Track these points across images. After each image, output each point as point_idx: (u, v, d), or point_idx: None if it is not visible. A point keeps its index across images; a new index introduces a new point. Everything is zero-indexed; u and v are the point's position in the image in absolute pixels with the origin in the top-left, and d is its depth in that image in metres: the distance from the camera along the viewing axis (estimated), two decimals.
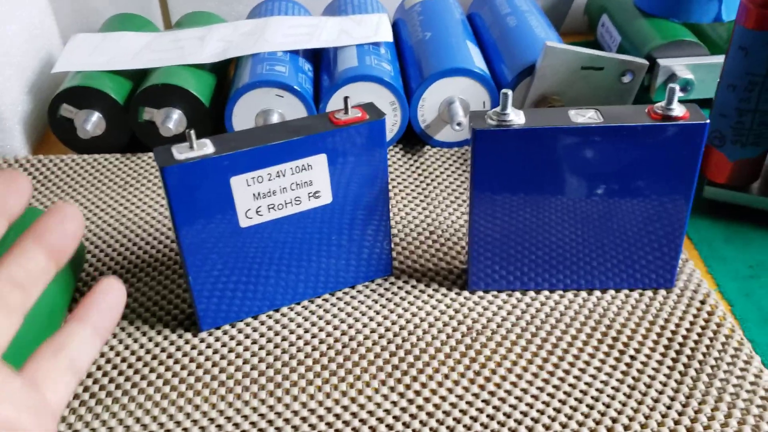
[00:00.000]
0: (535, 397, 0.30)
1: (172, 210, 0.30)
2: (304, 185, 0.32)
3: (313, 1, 0.58)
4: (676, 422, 0.29)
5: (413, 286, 0.36)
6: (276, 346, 0.33)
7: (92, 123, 0.45)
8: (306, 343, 0.33)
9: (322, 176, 0.32)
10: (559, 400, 0.30)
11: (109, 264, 0.38)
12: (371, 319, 0.34)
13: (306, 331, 0.33)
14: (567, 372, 0.31)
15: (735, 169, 0.39)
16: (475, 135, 0.31)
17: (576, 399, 0.30)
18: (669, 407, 0.29)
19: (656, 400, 0.30)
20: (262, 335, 0.33)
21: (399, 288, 0.36)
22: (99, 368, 0.32)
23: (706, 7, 0.50)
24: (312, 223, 0.33)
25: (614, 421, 0.29)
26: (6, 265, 0.20)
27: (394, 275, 0.37)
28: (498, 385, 0.31)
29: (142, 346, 0.33)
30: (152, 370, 0.32)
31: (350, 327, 0.34)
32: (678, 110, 0.31)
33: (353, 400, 0.30)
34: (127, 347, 0.33)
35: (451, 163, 0.45)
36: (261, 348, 0.33)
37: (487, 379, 0.31)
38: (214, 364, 0.32)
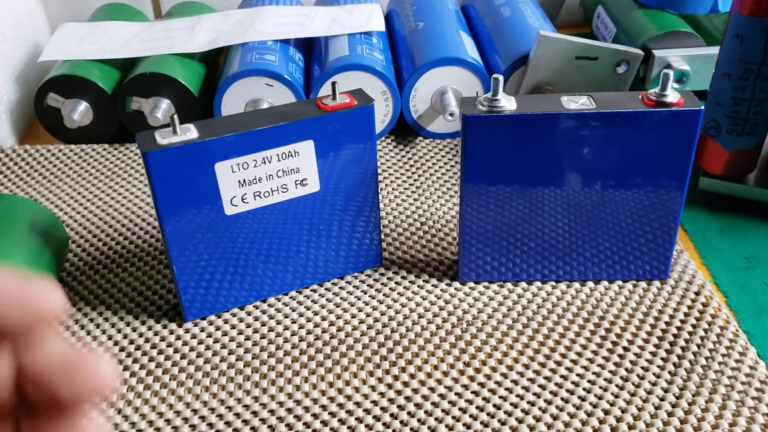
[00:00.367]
0: (526, 389, 0.29)
1: (155, 196, 0.29)
2: (290, 172, 0.31)
3: None
4: (670, 414, 0.28)
5: (403, 277, 0.35)
6: (262, 337, 0.32)
7: (79, 112, 0.44)
8: (293, 334, 0.32)
9: (309, 163, 0.31)
10: (550, 392, 0.29)
11: (93, 253, 0.37)
12: (360, 310, 0.33)
13: (293, 322, 0.33)
14: (558, 363, 0.30)
15: (730, 160, 0.38)
16: (465, 121, 0.30)
17: (567, 391, 0.29)
18: (662, 399, 0.29)
19: (649, 392, 0.29)
20: (248, 326, 0.33)
21: (389, 279, 0.35)
22: None
23: None
24: (299, 211, 0.32)
25: (606, 413, 0.28)
26: None
27: (384, 266, 0.36)
28: (488, 377, 0.30)
29: (125, 337, 0.32)
30: (135, 361, 0.31)
31: (338, 318, 0.33)
32: (672, 96, 0.30)
33: (340, 391, 0.29)
34: (110, 337, 0.32)
35: (443, 155, 0.45)
36: (247, 339, 0.32)
37: (477, 371, 0.30)
38: (199, 355, 0.31)
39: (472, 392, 0.29)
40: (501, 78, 0.30)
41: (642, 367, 0.30)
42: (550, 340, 0.32)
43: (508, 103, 0.30)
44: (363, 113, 0.31)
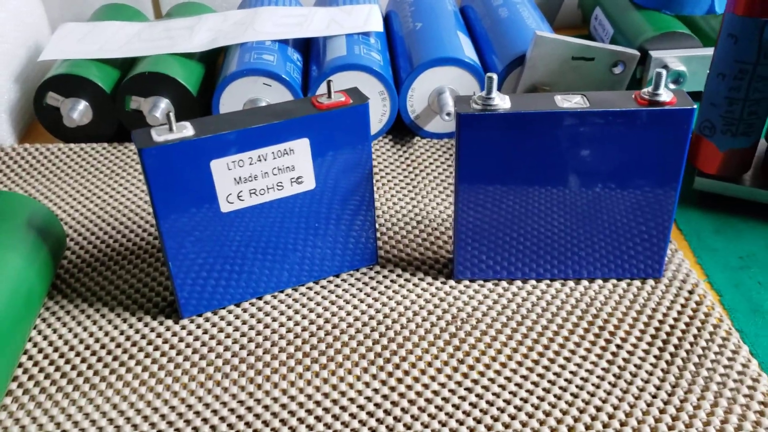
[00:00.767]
0: (519, 386, 0.30)
1: (151, 193, 0.29)
2: (286, 170, 0.31)
3: None
4: (662, 410, 0.28)
5: (398, 275, 0.35)
6: (258, 334, 0.32)
7: (79, 111, 0.45)
8: (288, 331, 0.32)
9: (304, 161, 0.31)
10: (544, 389, 0.29)
11: (91, 251, 0.37)
12: (355, 308, 0.33)
13: (289, 319, 0.33)
14: (552, 360, 0.31)
15: (725, 160, 0.38)
16: (459, 119, 0.30)
17: (560, 387, 0.29)
18: (654, 396, 0.29)
19: (642, 389, 0.29)
20: (244, 323, 0.33)
21: (384, 277, 0.35)
22: (78, 354, 0.31)
23: None
24: (295, 209, 0.32)
25: (598, 409, 0.28)
26: None
27: (380, 264, 0.36)
28: (482, 374, 0.30)
29: (122, 333, 0.32)
30: (131, 357, 0.31)
31: (334, 315, 0.33)
32: (665, 95, 0.30)
33: (334, 387, 0.30)
34: (106, 333, 0.32)
35: (440, 154, 0.45)
36: (243, 335, 0.32)
37: (471, 368, 0.30)
38: (195, 351, 0.31)
39: (465, 389, 0.29)
40: (495, 77, 0.30)
41: (635, 365, 0.30)
42: (543, 337, 0.32)
43: (502, 102, 0.30)
44: (358, 111, 0.31)
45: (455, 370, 0.30)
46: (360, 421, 0.28)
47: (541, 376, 0.30)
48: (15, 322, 0.30)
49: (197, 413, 0.29)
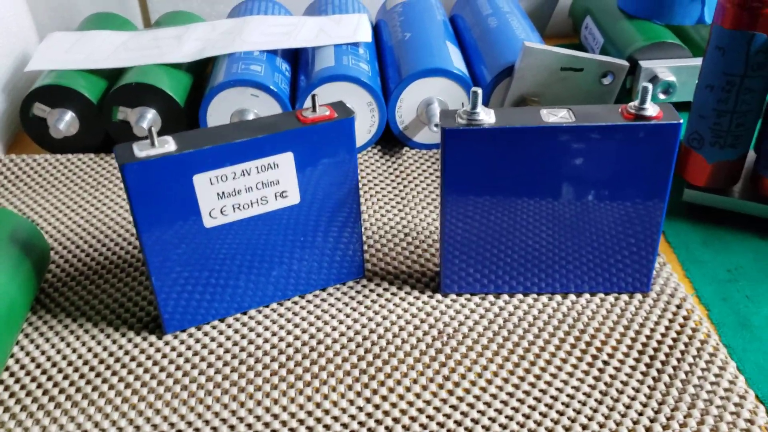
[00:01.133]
0: (505, 403, 0.29)
1: (132, 209, 0.29)
2: (270, 184, 0.31)
3: (294, 1, 0.57)
4: (648, 428, 0.28)
5: (385, 289, 0.35)
6: (242, 350, 0.32)
7: (65, 122, 0.44)
8: (273, 347, 0.32)
9: (289, 175, 0.31)
10: (529, 406, 0.29)
11: (75, 264, 0.37)
12: (341, 323, 0.33)
13: (273, 335, 0.33)
14: (538, 377, 0.30)
15: (714, 172, 0.38)
16: (444, 134, 0.30)
17: (546, 404, 0.29)
18: (641, 413, 0.29)
19: (628, 406, 0.29)
20: (228, 338, 0.33)
21: (370, 291, 0.35)
22: (60, 371, 0.31)
23: (688, 9, 0.49)
24: (280, 223, 0.32)
25: (584, 427, 0.28)
26: None
27: (367, 278, 0.36)
28: (467, 390, 0.30)
29: (105, 348, 0.32)
30: (114, 373, 0.31)
31: (319, 330, 0.33)
32: (651, 110, 0.30)
33: (318, 405, 0.29)
34: (89, 349, 0.32)
35: (428, 166, 0.45)
36: (227, 351, 0.32)
37: (456, 384, 0.30)
38: (178, 368, 0.31)
39: (450, 406, 0.29)
40: (480, 91, 0.30)
41: (621, 381, 0.30)
42: (530, 352, 0.32)
43: (487, 116, 0.30)
44: (343, 126, 0.31)
45: (440, 386, 0.30)
46: None
47: (526, 393, 0.30)
48: None
49: (179, 431, 0.28)
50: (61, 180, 0.44)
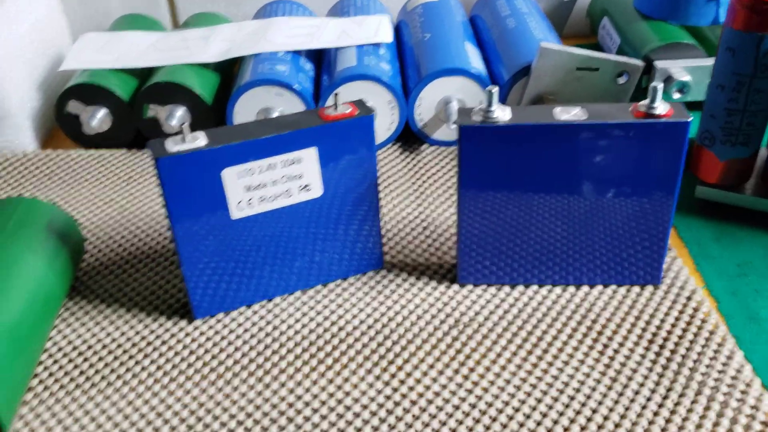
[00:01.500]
0: (517, 388, 0.31)
1: (165, 201, 0.31)
2: (294, 178, 0.32)
3: (317, 2, 0.59)
4: (655, 413, 0.29)
5: (404, 279, 0.37)
6: (267, 335, 0.34)
7: (98, 119, 0.46)
8: (296, 332, 0.34)
9: (312, 170, 0.33)
10: (541, 391, 0.30)
11: (108, 254, 0.39)
12: (361, 311, 0.35)
13: (297, 321, 0.34)
14: (550, 364, 0.32)
15: (725, 169, 0.39)
16: (460, 131, 0.31)
17: (558, 390, 0.30)
18: (649, 399, 0.30)
19: (637, 392, 0.30)
20: (254, 324, 0.34)
21: (389, 281, 0.37)
22: (95, 353, 0.33)
23: (704, 10, 0.50)
24: (303, 215, 0.34)
25: (594, 411, 0.29)
26: None
27: (386, 269, 0.37)
28: (482, 376, 0.31)
29: (137, 333, 0.34)
30: (146, 356, 0.33)
31: (340, 317, 0.34)
32: (661, 108, 0.31)
33: (339, 387, 0.31)
34: (123, 334, 0.34)
35: (447, 162, 0.46)
36: (253, 336, 0.34)
37: (471, 370, 0.31)
38: (207, 351, 0.33)
39: (465, 390, 0.31)
40: (495, 90, 0.31)
41: (631, 369, 0.31)
42: (542, 342, 0.33)
43: (502, 114, 0.32)
44: (363, 123, 0.32)
45: (456, 372, 0.31)
46: (363, 420, 0.29)
47: (539, 378, 0.31)
48: (35, 322, 0.31)
49: (208, 410, 0.30)
50: (94, 174, 0.46)
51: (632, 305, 0.35)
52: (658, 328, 0.33)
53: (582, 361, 0.32)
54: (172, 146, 0.30)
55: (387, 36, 0.49)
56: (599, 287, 0.36)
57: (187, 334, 0.34)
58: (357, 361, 0.32)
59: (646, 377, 0.31)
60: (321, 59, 0.50)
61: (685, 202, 0.41)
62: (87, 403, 0.30)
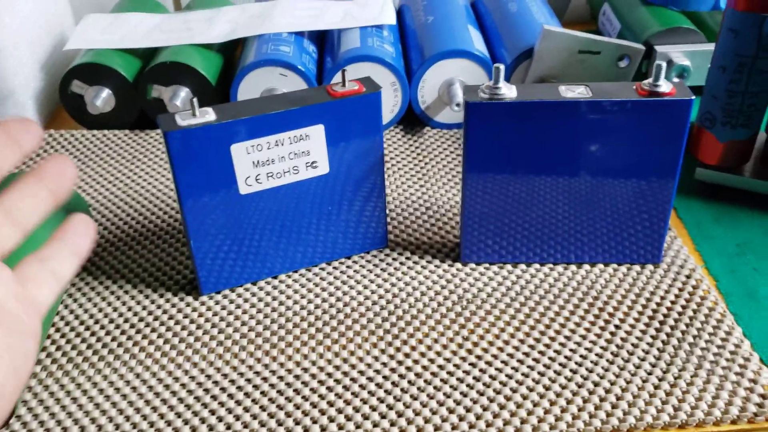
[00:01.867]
0: (521, 362, 0.31)
1: (174, 174, 0.31)
2: (301, 155, 0.33)
3: None
4: (656, 387, 0.30)
5: (407, 258, 0.37)
6: (273, 310, 0.34)
7: (102, 99, 0.46)
8: (302, 308, 0.34)
9: (319, 146, 0.33)
10: (544, 365, 0.31)
11: (115, 233, 0.39)
12: (365, 287, 0.35)
13: (302, 297, 0.35)
14: (552, 339, 0.32)
15: (725, 151, 0.39)
16: (467, 107, 0.32)
17: (560, 364, 0.31)
18: (650, 373, 0.30)
19: (638, 366, 0.31)
20: (260, 300, 0.35)
21: (393, 259, 0.37)
22: (103, 328, 0.33)
23: None
24: (309, 192, 0.34)
25: (596, 384, 0.30)
26: (10, 195, 0.23)
27: (390, 247, 0.38)
28: (485, 350, 0.32)
29: (144, 308, 0.34)
30: (153, 330, 0.33)
31: (345, 294, 0.35)
32: (664, 87, 0.31)
33: (345, 360, 0.31)
34: (129, 308, 0.34)
35: (449, 144, 0.46)
36: (259, 311, 0.34)
37: (475, 344, 0.32)
38: (213, 325, 0.33)
39: (469, 363, 0.31)
40: (502, 67, 0.31)
41: (631, 344, 0.32)
42: (545, 317, 0.33)
43: (508, 91, 0.32)
44: (370, 100, 0.33)
45: (460, 346, 0.32)
46: (369, 392, 0.30)
47: (541, 353, 0.31)
48: None
49: (215, 382, 0.30)
50: (98, 154, 0.46)
51: (633, 283, 0.35)
52: (659, 305, 0.34)
53: (584, 337, 0.32)
54: (182, 120, 0.30)
55: (390, 18, 0.49)
56: (600, 266, 0.36)
57: (194, 309, 0.34)
58: (362, 335, 0.32)
59: (646, 352, 0.31)
60: (324, 41, 0.51)
61: (685, 184, 0.42)
62: (95, 376, 0.31)
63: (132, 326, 0.33)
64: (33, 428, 0.29)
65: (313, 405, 0.29)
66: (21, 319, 0.22)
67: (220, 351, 0.32)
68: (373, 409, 0.29)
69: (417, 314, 0.34)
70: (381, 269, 0.36)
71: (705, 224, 0.39)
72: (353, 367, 0.31)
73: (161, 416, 0.29)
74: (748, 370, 0.30)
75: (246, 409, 0.29)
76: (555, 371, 0.31)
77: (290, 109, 0.32)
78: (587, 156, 0.33)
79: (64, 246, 0.25)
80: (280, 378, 0.31)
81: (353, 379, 0.30)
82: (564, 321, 0.33)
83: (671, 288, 0.35)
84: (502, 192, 0.34)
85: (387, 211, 0.38)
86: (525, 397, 0.29)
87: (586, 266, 0.36)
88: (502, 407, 0.29)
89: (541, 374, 0.30)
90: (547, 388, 0.30)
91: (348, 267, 0.36)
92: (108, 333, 0.33)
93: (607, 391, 0.30)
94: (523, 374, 0.30)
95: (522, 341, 0.32)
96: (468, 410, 0.29)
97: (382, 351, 0.32)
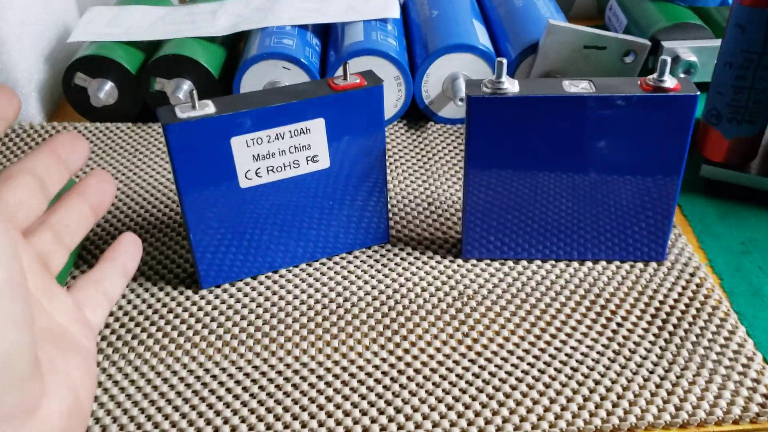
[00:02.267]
0: (521, 359, 0.31)
1: (174, 168, 0.31)
2: (302, 149, 0.33)
3: None
4: (658, 385, 0.29)
5: (408, 253, 0.37)
6: (273, 305, 0.34)
7: (105, 92, 0.46)
8: (302, 303, 0.34)
9: (320, 140, 0.33)
10: (544, 362, 0.31)
11: (116, 225, 0.39)
12: (366, 283, 0.35)
13: (302, 292, 0.34)
14: (554, 336, 0.32)
15: (731, 148, 0.39)
16: (470, 102, 0.32)
17: (561, 362, 0.31)
18: (651, 371, 0.30)
19: (640, 365, 0.30)
20: (260, 294, 0.34)
21: (394, 255, 0.37)
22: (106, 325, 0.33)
23: None
24: (310, 186, 0.34)
25: (597, 382, 0.30)
26: (56, 213, 0.25)
27: (391, 243, 0.38)
28: (485, 346, 0.31)
29: (144, 302, 0.34)
30: (153, 324, 0.33)
31: (345, 289, 0.35)
32: (669, 82, 0.31)
33: (344, 355, 0.31)
34: (129, 302, 0.34)
35: (453, 139, 0.46)
36: (258, 306, 0.34)
37: (475, 341, 0.32)
38: (213, 320, 0.33)
39: (468, 360, 0.31)
40: (505, 61, 0.31)
41: (634, 342, 0.31)
42: (546, 314, 0.33)
43: (511, 86, 0.32)
44: (372, 93, 0.33)
45: (460, 342, 0.32)
46: (368, 388, 0.30)
47: (542, 350, 0.31)
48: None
49: (214, 377, 0.30)
50: (100, 147, 0.46)
51: (636, 280, 0.35)
52: (662, 303, 0.33)
53: (585, 334, 0.32)
54: (181, 113, 0.30)
55: (394, 11, 0.49)
56: (603, 263, 0.36)
57: (193, 303, 0.34)
58: (362, 330, 0.32)
59: (648, 350, 0.31)
60: (328, 34, 0.50)
61: (691, 181, 0.41)
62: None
63: (131, 319, 0.33)
64: None
65: (312, 400, 0.29)
66: (82, 342, 0.23)
67: (219, 345, 0.32)
68: (371, 404, 0.29)
69: (417, 310, 0.33)
70: (382, 264, 0.36)
71: (710, 222, 0.39)
72: (352, 362, 0.31)
73: (159, 409, 0.29)
74: (751, 370, 0.30)
75: (244, 404, 0.29)
76: (555, 369, 0.30)
77: (291, 102, 0.31)
78: (590, 151, 0.33)
79: (115, 267, 0.26)
80: (279, 372, 0.30)
81: (352, 374, 0.30)
82: (565, 318, 0.33)
83: (675, 286, 0.34)
84: (504, 188, 0.34)
85: (389, 207, 0.37)
86: (524, 395, 0.29)
87: (589, 263, 0.36)
88: (501, 404, 0.29)
89: (542, 372, 0.30)
90: (548, 386, 0.30)
91: (349, 262, 0.36)
92: (107, 326, 0.33)
93: (608, 390, 0.29)
94: (523, 371, 0.30)
95: (522, 338, 0.32)
96: (467, 407, 0.29)
97: (382, 346, 0.31)
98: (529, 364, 0.31)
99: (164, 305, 0.34)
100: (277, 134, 0.32)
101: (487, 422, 0.28)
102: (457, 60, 0.45)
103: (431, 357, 0.31)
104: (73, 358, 0.22)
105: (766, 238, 0.37)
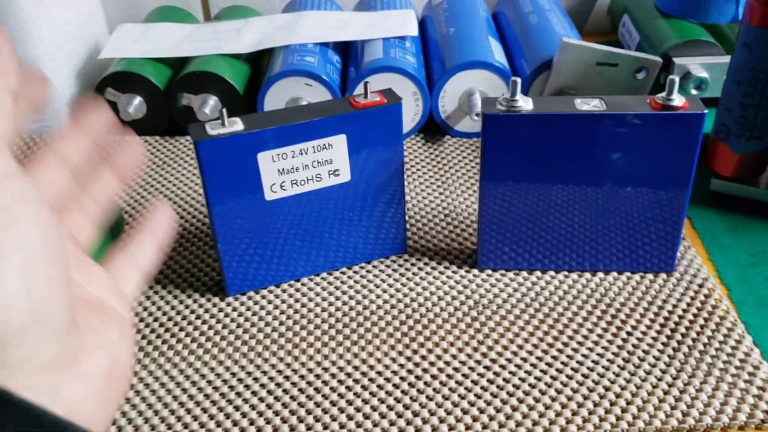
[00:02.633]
0: (534, 366, 0.32)
1: (204, 181, 0.32)
2: (324, 163, 0.34)
3: None
4: (666, 392, 0.31)
5: (425, 263, 0.38)
6: (295, 312, 0.35)
7: (134, 106, 0.48)
8: (323, 310, 0.35)
9: (341, 155, 0.34)
10: (556, 369, 0.32)
11: None
12: (384, 291, 0.36)
13: (323, 300, 0.36)
14: (565, 345, 0.33)
15: (740, 162, 0.40)
16: (485, 119, 0.33)
17: (572, 369, 0.32)
18: (659, 378, 0.31)
19: (648, 372, 0.32)
20: (283, 302, 0.36)
21: (412, 265, 0.38)
22: (134, 326, 0.35)
23: (723, 8, 0.51)
24: (331, 199, 0.35)
25: (606, 389, 0.31)
26: (84, 189, 0.25)
27: (408, 253, 0.39)
28: (499, 354, 0.33)
29: (173, 308, 0.36)
30: (182, 329, 0.35)
31: (364, 297, 0.36)
32: (678, 100, 0.32)
33: (363, 361, 0.33)
34: (159, 308, 0.36)
35: (469, 153, 0.48)
36: (282, 313, 0.35)
37: (490, 348, 0.33)
38: (239, 326, 0.35)
39: (484, 366, 0.32)
40: (519, 80, 0.32)
41: (643, 350, 0.33)
42: (558, 323, 0.34)
43: (525, 104, 0.33)
44: (391, 111, 0.34)
45: (475, 350, 0.33)
46: (386, 392, 0.31)
47: (554, 357, 0.32)
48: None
49: (240, 380, 0.32)
50: None
51: (646, 291, 0.36)
52: (670, 313, 0.35)
53: (596, 343, 0.33)
54: (212, 130, 0.32)
55: (413, 29, 0.50)
56: (614, 274, 0.37)
57: (220, 310, 0.36)
58: (381, 337, 0.34)
59: (657, 359, 0.32)
60: (348, 52, 0.52)
61: (700, 195, 0.42)
62: None
63: (161, 325, 0.35)
64: None
65: (333, 403, 0.31)
66: (118, 310, 0.23)
67: (244, 350, 0.33)
68: (390, 408, 0.30)
69: (434, 318, 0.35)
70: (400, 274, 0.37)
71: (719, 234, 0.40)
72: (371, 367, 0.32)
73: (188, 411, 0.31)
74: (757, 378, 0.31)
75: (269, 406, 0.31)
76: (567, 376, 0.32)
77: (314, 119, 0.33)
78: (601, 166, 0.34)
79: (147, 239, 0.26)
80: (302, 376, 0.32)
81: (371, 380, 0.32)
82: (577, 327, 0.34)
83: (683, 297, 0.35)
84: (518, 200, 0.35)
85: (406, 218, 0.39)
86: (537, 400, 0.30)
87: (600, 274, 0.37)
88: (514, 409, 0.30)
89: (554, 378, 0.31)
90: (559, 392, 0.31)
91: (368, 272, 0.38)
92: (138, 331, 0.35)
93: (617, 396, 0.31)
94: (535, 378, 0.31)
95: (535, 346, 0.33)
96: (481, 411, 0.30)
97: (400, 353, 0.33)
98: (541, 370, 0.32)
99: (192, 312, 0.36)
100: (301, 149, 0.33)
101: (501, 426, 0.29)
102: (473, 76, 0.46)
103: (447, 363, 0.32)
104: (111, 322, 0.22)
105: None
